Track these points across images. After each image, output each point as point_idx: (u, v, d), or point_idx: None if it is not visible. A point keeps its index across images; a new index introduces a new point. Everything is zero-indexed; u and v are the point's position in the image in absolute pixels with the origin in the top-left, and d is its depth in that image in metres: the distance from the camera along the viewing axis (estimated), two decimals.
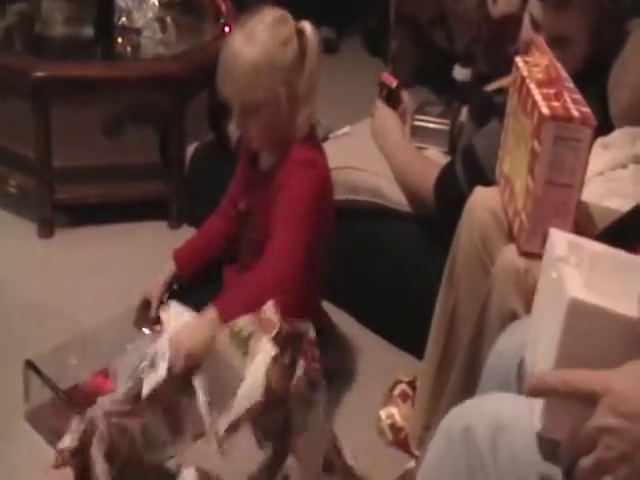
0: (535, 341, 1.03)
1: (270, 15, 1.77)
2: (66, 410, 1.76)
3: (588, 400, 0.85)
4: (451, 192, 1.87)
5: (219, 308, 1.66)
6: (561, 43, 1.74)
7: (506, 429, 0.97)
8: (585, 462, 0.84)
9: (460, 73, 2.52)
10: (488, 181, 1.68)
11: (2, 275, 2.29)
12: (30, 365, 1.78)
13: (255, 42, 1.72)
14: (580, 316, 0.90)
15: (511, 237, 1.51)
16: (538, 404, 0.93)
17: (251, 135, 1.84)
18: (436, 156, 2.18)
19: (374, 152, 2.24)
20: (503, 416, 0.99)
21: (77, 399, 1.80)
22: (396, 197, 2.15)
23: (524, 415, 0.98)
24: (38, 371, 1.77)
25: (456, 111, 2.27)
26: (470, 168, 1.86)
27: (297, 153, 1.81)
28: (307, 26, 1.79)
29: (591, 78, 1.76)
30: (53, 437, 1.75)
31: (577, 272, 0.96)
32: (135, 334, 1.94)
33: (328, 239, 1.93)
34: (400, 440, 1.84)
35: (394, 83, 2.29)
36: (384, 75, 2.35)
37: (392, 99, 2.30)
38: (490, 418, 0.99)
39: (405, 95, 2.30)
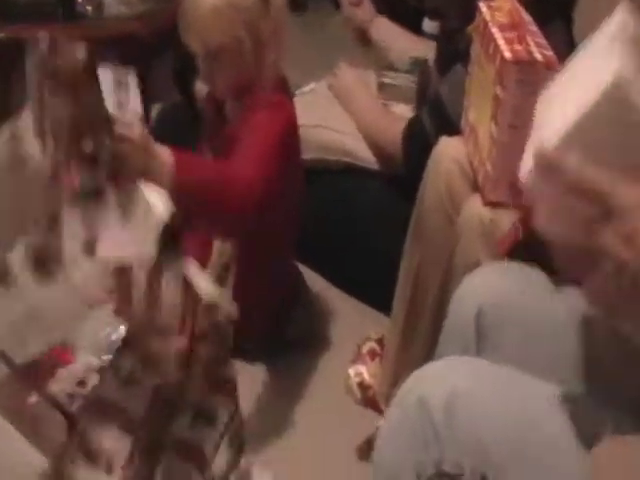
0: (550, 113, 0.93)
1: None
2: (24, 387, 1.72)
3: (602, 209, 0.76)
4: (418, 144, 1.83)
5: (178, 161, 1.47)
6: None
7: (461, 396, 0.93)
8: (606, 266, 0.76)
9: (429, 26, 2.48)
10: (455, 128, 1.64)
11: None
12: None
13: None
14: (616, 101, 0.81)
15: (476, 187, 1.49)
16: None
17: (216, 83, 1.80)
18: (404, 112, 2.15)
19: (340, 110, 2.22)
20: (457, 383, 0.95)
21: (34, 374, 1.76)
22: (364, 155, 2.13)
23: (480, 382, 0.95)
24: None
25: (424, 66, 2.23)
26: (437, 117, 1.83)
27: (263, 99, 1.75)
28: None
29: (555, 11, 1.72)
30: (12, 414, 1.71)
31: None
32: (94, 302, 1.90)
33: (295, 196, 1.89)
34: (369, 398, 1.82)
35: None
36: None
37: None
38: (444, 386, 0.95)
39: None
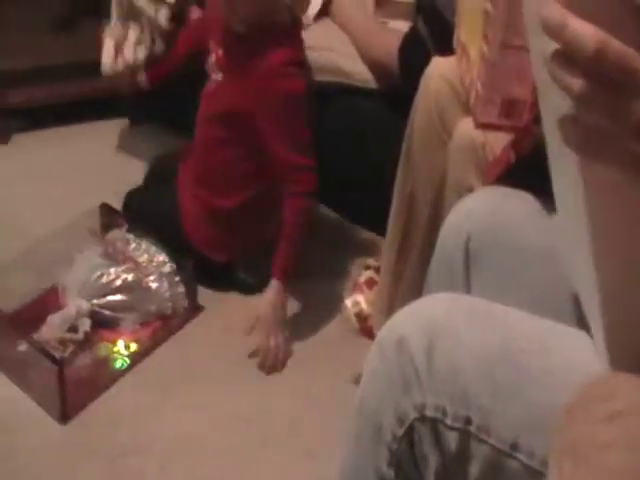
0: None
1: None
2: (12, 333, 1.69)
3: None
4: (415, 52, 1.77)
5: (281, 278, 1.77)
6: None
7: (441, 336, 0.88)
8: None
9: None
10: (451, 31, 1.56)
11: None
12: None
13: None
14: None
15: (468, 109, 1.41)
16: None
17: (235, 13, 1.76)
18: (403, 29, 2.07)
19: (333, 30, 2.14)
20: (438, 322, 0.90)
21: (25, 320, 1.73)
22: (361, 75, 2.06)
23: (461, 317, 0.90)
24: None
25: None
26: (432, 21, 1.76)
27: (284, 51, 1.77)
28: None
29: None
30: (2, 362, 1.69)
31: None
32: (83, 245, 1.86)
33: None
34: (367, 328, 1.79)
35: None
36: None
37: None
38: (424, 326, 0.90)
39: None
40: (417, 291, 1.28)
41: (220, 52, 1.84)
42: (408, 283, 1.55)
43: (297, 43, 1.85)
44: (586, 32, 0.56)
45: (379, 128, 2.04)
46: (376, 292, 1.77)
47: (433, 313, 0.92)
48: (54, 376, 1.57)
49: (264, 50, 1.75)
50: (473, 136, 1.36)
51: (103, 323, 1.77)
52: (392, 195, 1.67)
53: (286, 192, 1.79)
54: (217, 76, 1.84)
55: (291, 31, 1.83)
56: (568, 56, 0.58)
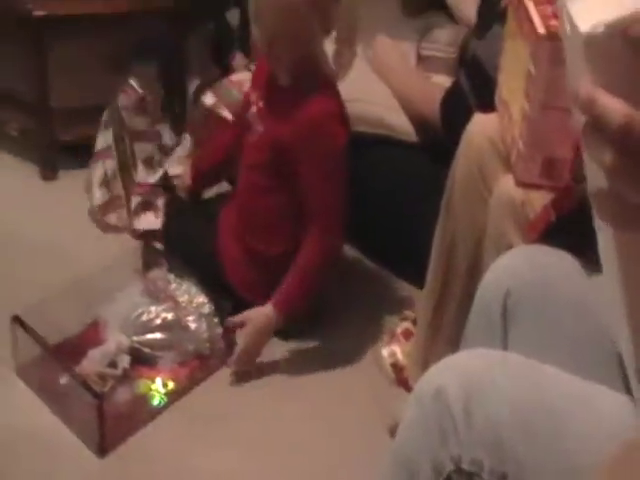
0: None
1: None
2: (55, 366, 1.73)
3: None
4: (457, 107, 1.80)
5: (278, 306, 1.82)
6: None
7: (479, 390, 0.91)
8: None
9: None
10: (493, 86, 1.59)
11: (4, 218, 2.25)
12: (17, 321, 1.74)
13: None
14: (597, 47, 0.65)
15: (509, 166, 1.44)
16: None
17: (274, 59, 1.80)
18: (444, 83, 2.11)
19: (378, 83, 2.19)
20: (476, 374, 0.93)
21: (67, 353, 1.77)
22: (402, 127, 2.10)
23: (498, 372, 0.92)
24: (25, 327, 1.73)
25: (464, 37, 2.18)
26: (474, 75, 1.79)
27: (327, 101, 1.82)
28: None
29: None
30: (44, 392, 1.73)
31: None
32: (126, 282, 1.91)
33: None
34: (402, 379, 1.80)
35: None
36: None
37: None
38: (462, 377, 0.92)
39: None
40: (454, 344, 1.30)
41: (261, 103, 1.88)
42: (445, 335, 1.56)
43: (338, 94, 1.89)
44: (614, 107, 0.59)
45: (419, 180, 2.06)
46: (413, 343, 1.79)
47: (471, 366, 0.95)
48: (94, 410, 1.60)
49: (306, 100, 1.79)
50: (513, 194, 1.39)
51: (142, 360, 1.81)
52: (431, 247, 1.69)
53: (309, 232, 1.82)
54: (259, 127, 1.88)
55: (332, 82, 1.87)
56: (598, 129, 0.60)
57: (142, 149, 2.32)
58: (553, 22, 1.31)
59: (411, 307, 1.94)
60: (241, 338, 1.83)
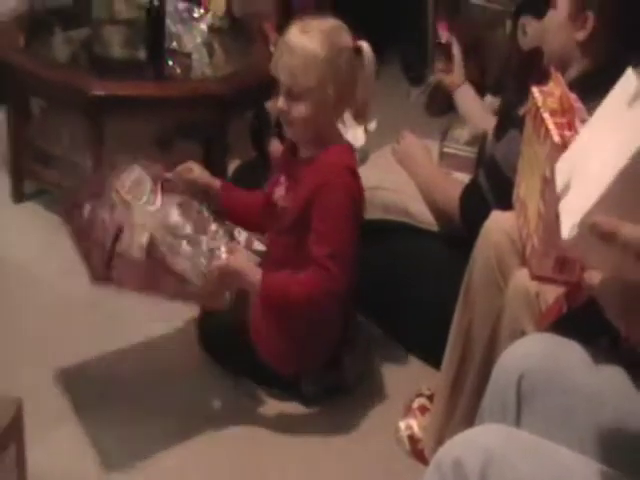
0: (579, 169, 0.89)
1: (331, 21, 1.85)
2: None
3: None
4: (476, 204, 1.86)
5: (265, 280, 1.81)
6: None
7: (496, 463, 0.95)
8: None
9: (491, 102, 2.51)
10: (511, 187, 1.64)
11: (56, 277, 2.34)
12: None
13: (317, 38, 1.78)
14: (576, 244, 0.79)
15: (524, 260, 1.50)
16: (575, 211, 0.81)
17: (292, 123, 1.85)
18: (464, 180, 2.17)
19: (403, 175, 2.25)
20: (493, 450, 0.97)
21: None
22: (424, 217, 2.16)
23: (514, 449, 0.96)
24: None
25: (484, 138, 2.26)
26: (492, 176, 1.85)
27: (341, 155, 1.87)
28: (365, 44, 1.86)
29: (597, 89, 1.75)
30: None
31: None
32: None
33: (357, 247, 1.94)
34: (417, 451, 1.83)
35: (445, 37, 2.31)
36: (439, 25, 2.34)
37: (445, 53, 2.33)
38: (480, 451, 0.97)
39: (456, 49, 2.32)
40: (469, 421, 1.34)
41: (283, 179, 1.95)
42: (461, 413, 1.60)
43: (352, 153, 1.94)
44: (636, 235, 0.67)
45: (439, 267, 2.11)
46: (429, 418, 1.82)
47: (487, 442, 1.00)
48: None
49: (322, 157, 1.85)
50: (528, 286, 1.44)
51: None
52: (448, 330, 1.73)
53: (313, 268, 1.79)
54: (284, 202, 1.93)
55: (349, 149, 1.93)
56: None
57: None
58: (567, 132, 1.38)
59: (427, 384, 1.97)
60: (223, 262, 1.83)
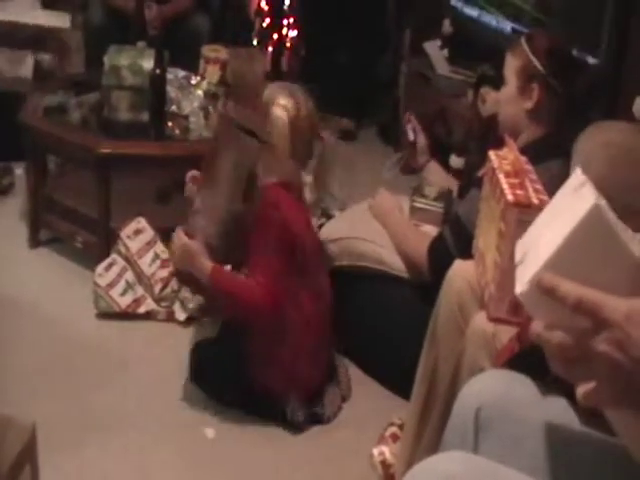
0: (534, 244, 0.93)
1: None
2: None
3: (595, 322, 0.77)
4: (441, 255, 1.90)
5: (216, 271, 1.91)
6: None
7: None
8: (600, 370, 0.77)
9: (455, 162, 2.56)
10: (471, 240, 1.69)
11: (65, 317, 2.35)
12: None
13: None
14: (593, 226, 0.82)
15: (483, 304, 1.53)
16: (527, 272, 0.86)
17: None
18: (431, 232, 2.20)
19: (378, 226, 2.28)
20: (454, 475, 0.98)
21: None
22: (396, 265, 2.18)
23: (473, 474, 0.98)
24: None
25: (449, 195, 2.30)
26: (456, 230, 1.90)
27: (266, 196, 1.95)
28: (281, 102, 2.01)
29: (547, 153, 1.80)
30: None
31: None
32: None
33: (312, 285, 2.02)
34: (389, 475, 1.84)
35: (412, 136, 2.34)
36: (408, 122, 2.37)
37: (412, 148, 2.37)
38: (441, 477, 0.98)
39: (420, 137, 2.35)
40: (435, 448, 1.36)
41: None
42: (427, 440, 1.61)
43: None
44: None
45: (409, 311, 2.13)
46: (399, 445, 1.83)
47: (448, 468, 1.01)
48: None
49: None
50: (485, 327, 1.47)
51: None
52: (417, 367, 1.75)
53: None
54: None
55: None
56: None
57: None
58: (519, 191, 1.42)
59: (398, 414, 1.98)
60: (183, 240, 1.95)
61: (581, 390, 0.80)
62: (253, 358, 1.98)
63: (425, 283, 2.00)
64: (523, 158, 1.54)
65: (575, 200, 0.88)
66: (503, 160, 1.54)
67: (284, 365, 1.97)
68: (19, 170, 3.02)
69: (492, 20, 3.00)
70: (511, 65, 1.90)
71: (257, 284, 1.89)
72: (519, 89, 1.87)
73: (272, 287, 1.88)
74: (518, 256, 0.95)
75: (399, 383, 2.07)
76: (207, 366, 2.06)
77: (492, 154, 1.57)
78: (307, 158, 2.10)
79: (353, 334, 2.26)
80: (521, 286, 0.86)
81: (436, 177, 2.36)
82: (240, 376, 1.98)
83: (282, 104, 1.99)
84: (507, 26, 2.91)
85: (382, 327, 2.20)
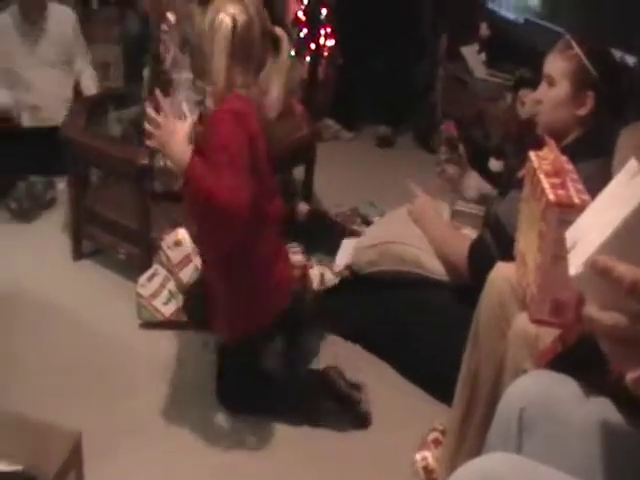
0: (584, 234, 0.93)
1: None
2: None
3: None
4: (481, 257, 1.89)
5: (192, 163, 1.73)
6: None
7: None
8: None
9: (494, 165, 2.55)
10: (511, 241, 1.66)
11: (109, 328, 2.40)
12: None
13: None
14: (581, 280, 0.85)
15: (524, 305, 1.52)
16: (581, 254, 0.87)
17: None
18: (472, 235, 2.20)
19: (417, 231, 2.28)
20: (496, 474, 0.98)
21: None
22: (436, 268, 2.18)
23: (516, 473, 0.98)
24: None
25: (489, 197, 2.29)
26: (496, 232, 1.89)
27: (230, 103, 1.86)
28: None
29: (587, 152, 1.78)
30: None
31: None
32: None
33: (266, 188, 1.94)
34: None
35: (454, 133, 2.34)
36: (444, 125, 2.38)
37: (452, 146, 2.35)
38: (483, 477, 0.98)
39: (460, 146, 2.35)
40: (478, 452, 1.35)
41: None
42: (470, 444, 1.60)
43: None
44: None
45: (449, 314, 2.12)
46: (442, 450, 1.83)
47: (489, 467, 1.01)
48: None
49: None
50: (528, 329, 1.46)
51: None
52: (459, 371, 1.75)
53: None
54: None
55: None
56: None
57: None
58: (560, 191, 1.41)
59: (440, 420, 1.97)
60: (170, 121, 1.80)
61: (631, 375, 0.80)
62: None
63: (465, 286, 2.00)
64: (564, 158, 1.52)
65: (630, 187, 0.89)
66: (543, 160, 1.52)
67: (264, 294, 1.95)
68: (61, 185, 3.09)
69: (529, 22, 3.00)
70: (560, 67, 1.86)
71: (229, 187, 1.71)
72: (572, 94, 1.84)
73: (244, 190, 1.73)
74: (569, 242, 0.95)
75: (440, 388, 2.06)
76: (236, 385, 2.07)
77: (532, 154, 1.56)
78: (261, 63, 1.94)
79: (393, 339, 2.26)
80: (575, 268, 0.87)
81: (475, 184, 2.36)
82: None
83: (230, 12, 1.86)
84: (544, 28, 2.90)
85: (422, 331, 2.19)
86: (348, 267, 2.39)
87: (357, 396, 2.07)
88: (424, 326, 2.19)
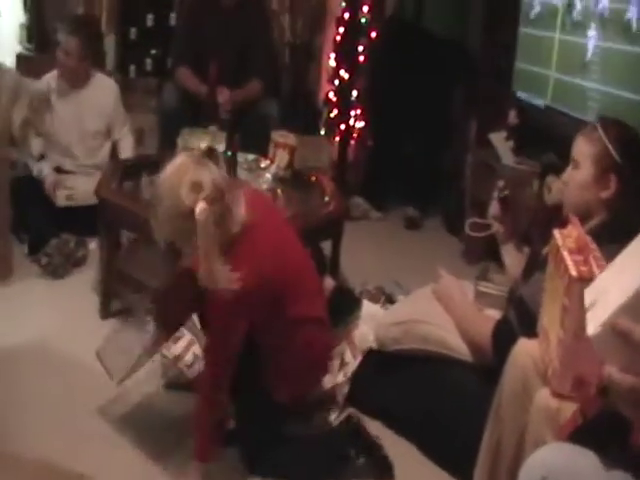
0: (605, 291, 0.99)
1: None
2: None
3: None
4: (505, 337, 1.91)
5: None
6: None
7: None
8: None
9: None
10: (536, 321, 1.72)
11: (134, 387, 2.43)
12: None
13: None
14: (600, 341, 0.90)
15: (546, 380, 1.57)
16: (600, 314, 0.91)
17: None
18: (495, 316, 2.23)
19: (441, 310, 2.33)
20: None
21: None
22: (460, 348, 2.22)
23: None
24: None
25: (514, 281, 2.34)
26: (520, 312, 1.93)
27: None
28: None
29: (612, 237, 1.83)
30: None
31: None
32: None
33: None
34: None
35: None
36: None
37: (506, 205, 2.42)
38: None
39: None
40: None
41: None
42: None
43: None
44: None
45: (471, 394, 2.15)
46: None
47: None
48: None
49: None
50: (550, 403, 1.52)
51: None
52: (478, 448, 1.78)
53: None
54: None
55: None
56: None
57: None
58: (583, 267, 1.47)
59: None
60: None
61: None
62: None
63: (488, 366, 2.03)
64: (587, 236, 1.59)
65: None
66: (567, 237, 1.59)
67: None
68: (92, 244, 3.20)
69: (558, 110, 3.09)
70: (585, 150, 1.93)
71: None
72: (595, 177, 1.90)
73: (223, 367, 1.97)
74: (587, 301, 1.00)
75: (460, 465, 2.08)
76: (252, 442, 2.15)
77: (556, 232, 1.63)
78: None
79: (413, 415, 2.28)
80: (594, 328, 0.91)
81: (511, 259, 2.41)
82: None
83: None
84: (574, 116, 2.99)
85: (443, 409, 2.22)
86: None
87: (379, 441, 2.14)
88: (446, 403, 2.22)
